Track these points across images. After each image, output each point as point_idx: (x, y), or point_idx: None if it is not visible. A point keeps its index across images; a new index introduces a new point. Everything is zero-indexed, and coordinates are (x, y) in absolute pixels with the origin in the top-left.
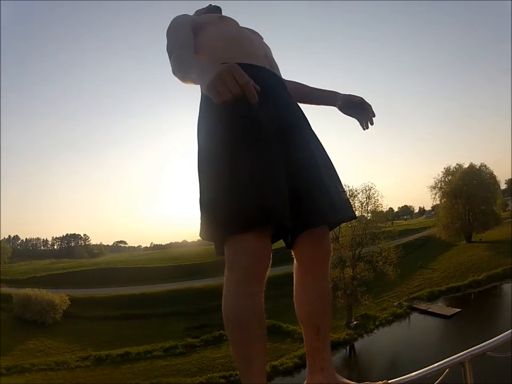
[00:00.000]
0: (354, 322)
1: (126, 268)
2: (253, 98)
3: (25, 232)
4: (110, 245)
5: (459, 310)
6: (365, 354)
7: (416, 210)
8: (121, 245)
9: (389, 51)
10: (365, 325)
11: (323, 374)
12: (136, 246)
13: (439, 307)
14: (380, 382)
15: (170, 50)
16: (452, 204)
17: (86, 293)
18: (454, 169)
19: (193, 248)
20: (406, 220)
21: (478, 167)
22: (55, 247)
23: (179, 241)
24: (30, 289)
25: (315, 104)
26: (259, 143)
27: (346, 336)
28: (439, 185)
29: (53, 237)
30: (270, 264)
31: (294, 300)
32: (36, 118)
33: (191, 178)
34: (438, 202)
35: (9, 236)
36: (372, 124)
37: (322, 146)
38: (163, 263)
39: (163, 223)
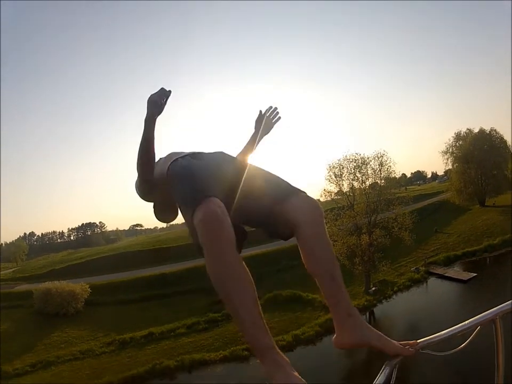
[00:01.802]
0: (373, 289)
1: (144, 250)
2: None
3: (41, 228)
4: (127, 229)
5: (475, 274)
6: (385, 320)
7: (429, 175)
8: (138, 228)
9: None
10: (383, 290)
11: (351, 319)
12: (152, 227)
13: (456, 272)
14: (410, 341)
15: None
16: (464, 169)
17: (106, 279)
18: (465, 134)
19: None
20: (419, 185)
21: (488, 132)
22: (72, 238)
23: None
24: (50, 282)
25: (257, 147)
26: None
27: (365, 303)
28: (450, 150)
29: (68, 228)
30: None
31: (304, 264)
32: (37, 114)
33: None
34: (450, 167)
35: (25, 233)
36: (277, 111)
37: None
38: (180, 242)
39: None
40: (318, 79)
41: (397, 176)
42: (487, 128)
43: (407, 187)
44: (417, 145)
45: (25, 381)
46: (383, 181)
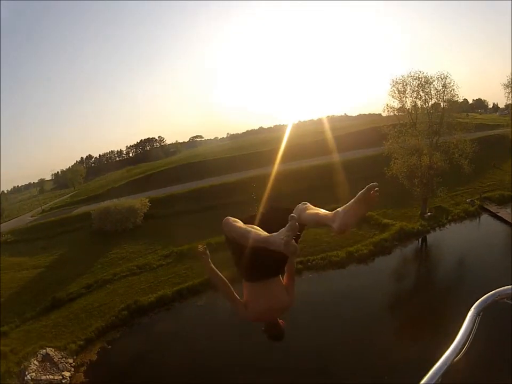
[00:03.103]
0: (428, 214)
1: (204, 161)
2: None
3: (99, 150)
4: (186, 141)
5: None
6: (436, 248)
7: (490, 105)
8: (197, 139)
9: None
10: (438, 217)
11: (336, 211)
12: (212, 138)
13: (508, 214)
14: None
15: None
16: None
17: (166, 192)
18: None
19: (270, 135)
20: (480, 114)
21: None
22: (130, 155)
23: (255, 128)
24: (109, 201)
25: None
26: None
27: (419, 227)
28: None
29: (127, 146)
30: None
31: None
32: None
33: (264, 69)
34: (511, 102)
35: (81, 157)
36: None
37: None
38: (241, 152)
39: (238, 113)
40: None
41: (459, 101)
42: None
43: (468, 113)
44: (480, 72)
45: (78, 304)
46: (445, 103)
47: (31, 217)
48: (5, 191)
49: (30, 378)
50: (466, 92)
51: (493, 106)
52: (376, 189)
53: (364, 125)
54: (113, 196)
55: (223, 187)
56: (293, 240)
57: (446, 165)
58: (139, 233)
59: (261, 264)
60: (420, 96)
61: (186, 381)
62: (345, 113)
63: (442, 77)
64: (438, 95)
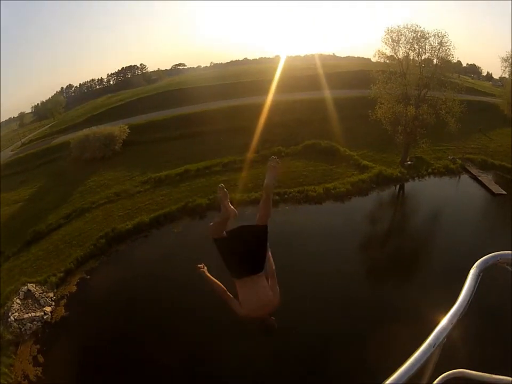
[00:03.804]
0: (409, 162)
1: (185, 88)
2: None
3: (79, 79)
4: (169, 69)
5: (505, 193)
6: (412, 197)
7: (484, 73)
8: (180, 67)
9: None
10: (418, 167)
11: None
12: (195, 66)
13: (488, 180)
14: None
15: None
16: None
17: (145, 119)
18: None
19: (254, 66)
20: (472, 79)
21: None
22: (111, 82)
23: (240, 59)
24: (88, 129)
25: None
26: None
27: (399, 174)
28: (510, 60)
29: (108, 74)
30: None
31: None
32: None
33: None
34: (506, 76)
35: (62, 87)
36: None
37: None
38: (223, 81)
39: (223, 43)
40: None
41: (453, 61)
42: None
43: (460, 75)
44: (479, 37)
45: (57, 235)
46: (439, 61)
47: (11, 151)
48: None
49: (13, 319)
50: (461, 54)
51: (486, 74)
52: (277, 160)
53: (352, 67)
54: (93, 124)
55: (203, 115)
56: (231, 207)
57: (432, 119)
58: (118, 160)
59: (244, 260)
60: (413, 48)
61: (165, 305)
62: (333, 53)
63: (440, 35)
64: (432, 51)
